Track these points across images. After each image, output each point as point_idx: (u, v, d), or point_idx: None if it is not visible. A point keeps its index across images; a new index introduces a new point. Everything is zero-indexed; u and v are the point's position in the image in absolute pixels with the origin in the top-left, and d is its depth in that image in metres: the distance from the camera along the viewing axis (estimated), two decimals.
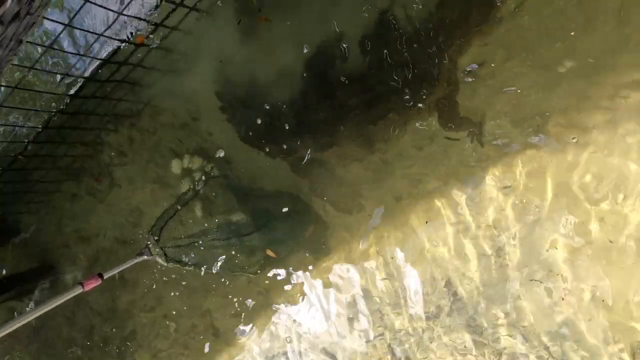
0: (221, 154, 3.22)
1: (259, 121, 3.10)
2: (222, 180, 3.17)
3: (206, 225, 3.14)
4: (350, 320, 3.07)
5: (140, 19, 3.12)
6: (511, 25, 2.62)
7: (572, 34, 2.53)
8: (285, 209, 3.06)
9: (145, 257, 2.89)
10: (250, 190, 3.16)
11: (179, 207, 3.13)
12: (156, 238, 2.99)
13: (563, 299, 2.63)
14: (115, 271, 2.56)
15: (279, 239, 3.10)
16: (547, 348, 2.68)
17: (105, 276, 2.44)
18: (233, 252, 3.12)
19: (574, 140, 2.57)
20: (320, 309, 3.14)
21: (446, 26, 2.70)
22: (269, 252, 3.10)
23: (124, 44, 3.24)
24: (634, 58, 2.44)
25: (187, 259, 3.10)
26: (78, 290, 2.26)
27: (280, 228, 3.09)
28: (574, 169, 2.58)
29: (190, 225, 3.14)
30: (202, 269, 3.14)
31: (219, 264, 3.12)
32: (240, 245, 3.09)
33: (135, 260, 2.81)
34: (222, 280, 3.32)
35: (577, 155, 2.57)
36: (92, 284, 2.35)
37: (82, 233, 3.79)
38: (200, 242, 3.12)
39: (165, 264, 2.96)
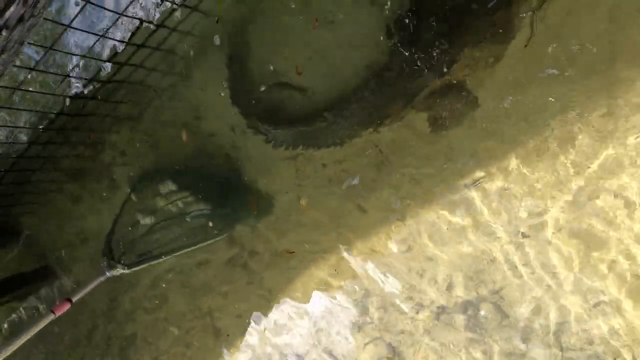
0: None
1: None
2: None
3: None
4: (352, 320, 3.08)
5: (141, 20, 3.12)
6: None
7: None
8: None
9: (107, 274, 2.92)
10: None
11: (117, 217, 3.25)
12: (109, 255, 3.01)
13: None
14: (82, 293, 2.69)
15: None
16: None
17: (74, 299, 2.58)
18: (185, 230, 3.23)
19: None
20: (322, 308, 3.15)
21: None
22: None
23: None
24: None
25: (147, 257, 3.15)
26: (50, 317, 2.43)
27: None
28: None
29: (142, 226, 3.26)
30: (164, 257, 3.19)
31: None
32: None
33: (99, 280, 2.88)
34: (221, 280, 3.34)
35: None
36: (62, 309, 2.51)
37: (84, 234, 3.80)
38: (157, 236, 3.22)
39: (128, 271, 2.98)
